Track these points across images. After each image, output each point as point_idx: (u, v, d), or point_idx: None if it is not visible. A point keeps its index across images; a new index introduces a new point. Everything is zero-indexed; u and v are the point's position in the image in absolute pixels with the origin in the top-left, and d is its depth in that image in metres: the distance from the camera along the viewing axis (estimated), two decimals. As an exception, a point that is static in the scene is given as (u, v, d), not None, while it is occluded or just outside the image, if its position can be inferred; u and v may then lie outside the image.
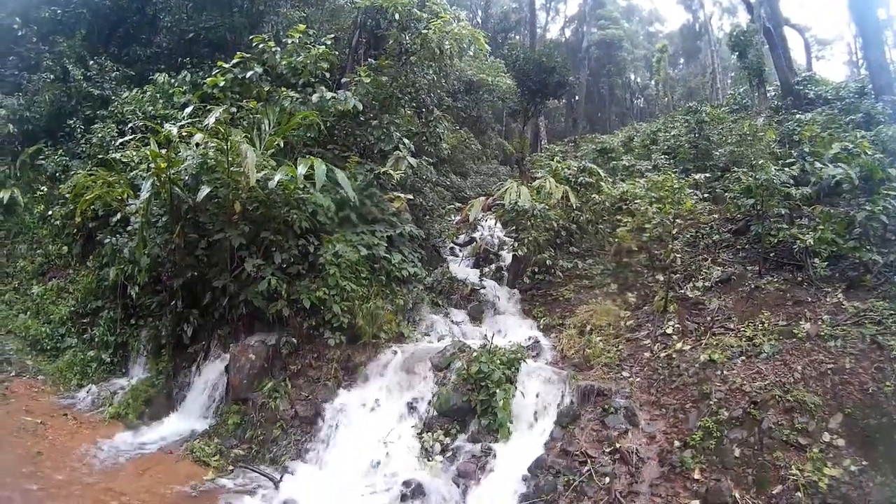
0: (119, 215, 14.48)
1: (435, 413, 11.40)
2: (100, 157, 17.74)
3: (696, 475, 9.22)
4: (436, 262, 16.55)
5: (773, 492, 8.66)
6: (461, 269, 17.27)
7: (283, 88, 15.27)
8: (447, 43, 16.43)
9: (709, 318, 12.03)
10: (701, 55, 51.05)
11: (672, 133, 21.61)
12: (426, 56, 16.92)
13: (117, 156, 16.06)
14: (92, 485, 10.07)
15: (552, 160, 18.13)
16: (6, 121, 20.82)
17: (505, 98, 27.71)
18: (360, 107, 15.22)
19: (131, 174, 14.88)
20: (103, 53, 22.28)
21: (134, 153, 15.48)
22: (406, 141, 15.73)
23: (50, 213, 18.50)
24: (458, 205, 19.67)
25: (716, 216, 15.41)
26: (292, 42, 16.32)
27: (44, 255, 18.46)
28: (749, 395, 9.77)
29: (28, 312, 16.72)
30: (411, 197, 15.43)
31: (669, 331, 12.18)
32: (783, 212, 13.44)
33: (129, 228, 14.21)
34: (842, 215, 12.75)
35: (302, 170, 12.37)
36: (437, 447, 10.84)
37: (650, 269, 14.70)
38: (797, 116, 19.46)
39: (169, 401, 13.52)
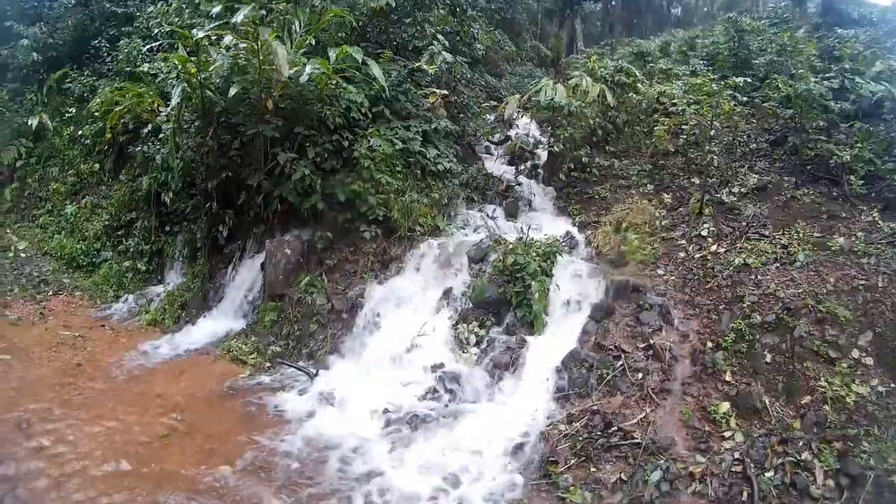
0: (150, 126, 14.20)
1: (470, 305, 11.25)
2: (127, 71, 17.39)
3: (728, 377, 9.00)
4: (471, 159, 16.18)
5: (802, 401, 8.44)
6: (496, 166, 16.87)
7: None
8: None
9: (744, 224, 11.63)
10: None
11: (710, 40, 20.60)
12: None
13: (145, 68, 15.70)
14: (129, 390, 10.15)
15: (589, 60, 17.17)
16: (30, 50, 20.45)
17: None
18: (393, 3, 14.63)
19: (160, 84, 14.61)
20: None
21: (162, 63, 15.02)
22: (440, 37, 15.15)
23: (80, 133, 18.23)
24: (493, 103, 18.87)
25: (753, 124, 14.80)
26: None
27: (76, 175, 18.29)
28: (782, 301, 9.41)
29: (63, 232, 16.73)
30: (446, 93, 14.91)
31: (704, 233, 11.79)
32: (822, 124, 13.01)
33: (160, 136, 13.95)
34: (882, 135, 12.34)
35: (333, 59, 12.03)
36: (472, 339, 10.72)
37: (686, 171, 14.26)
38: (838, 31, 18.43)
39: (205, 303, 13.46)
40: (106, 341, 12.05)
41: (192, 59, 12.20)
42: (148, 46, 16.13)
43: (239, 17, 11.84)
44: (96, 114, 15.67)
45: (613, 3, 28.46)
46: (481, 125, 18.23)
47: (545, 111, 15.76)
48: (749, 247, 10.85)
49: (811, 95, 12.69)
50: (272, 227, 13.32)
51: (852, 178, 11.72)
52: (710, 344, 9.47)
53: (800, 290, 9.47)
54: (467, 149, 16.25)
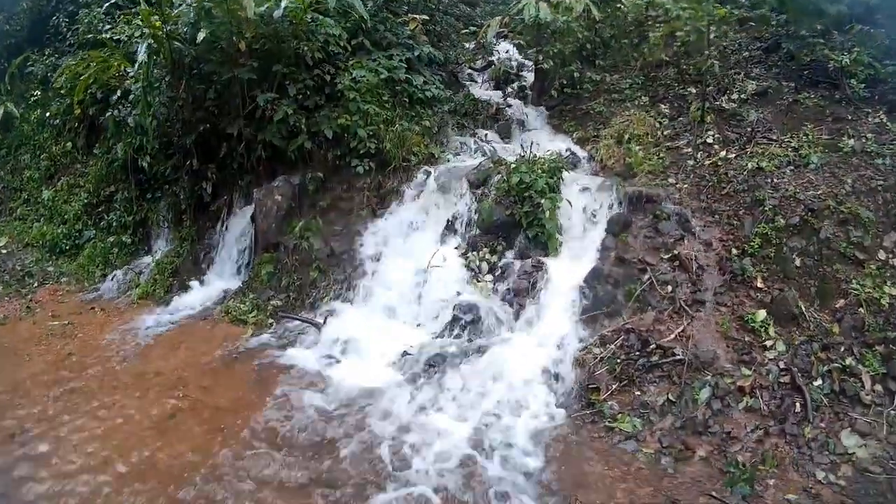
0: (119, 92, 12.76)
1: (477, 231, 10.17)
2: (90, 41, 15.64)
3: (759, 284, 8.31)
4: (455, 87, 14.93)
5: (837, 305, 7.90)
6: (482, 91, 15.66)
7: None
8: None
9: (749, 129, 10.77)
10: None
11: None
12: None
13: (108, 34, 14.21)
14: (126, 373, 9.01)
15: None
16: (-14, 40, 18.83)
17: None
18: None
19: (126, 47, 13.26)
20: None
21: (125, 26, 13.89)
22: None
23: (48, 114, 16.67)
24: (473, 28, 17.52)
25: (742, 33, 13.65)
26: None
27: (49, 159, 16.70)
28: (804, 202, 8.69)
29: (42, 220, 15.32)
30: (427, 17, 13.76)
31: (710, 140, 10.91)
32: (818, 28, 12.04)
33: (130, 99, 12.48)
34: (880, 38, 11.38)
35: None
36: (485, 266, 9.67)
37: (681, 81, 13.16)
38: None
39: (197, 266, 12.24)
40: (97, 324, 10.83)
41: (156, 12, 11.06)
42: (106, 7, 14.66)
43: None
44: (62, 91, 14.52)
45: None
46: (462, 52, 16.91)
47: (529, 30, 14.50)
48: (760, 151, 10.01)
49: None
50: (259, 176, 12.12)
51: (853, 81, 10.85)
52: (735, 251, 8.71)
53: (819, 192, 8.77)
54: (451, 77, 15.02)
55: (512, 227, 9.87)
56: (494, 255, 9.76)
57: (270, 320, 10.14)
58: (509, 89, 15.68)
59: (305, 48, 11.32)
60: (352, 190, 11.43)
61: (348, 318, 9.63)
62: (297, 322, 9.81)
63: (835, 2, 11.90)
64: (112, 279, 12.56)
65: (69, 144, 16.20)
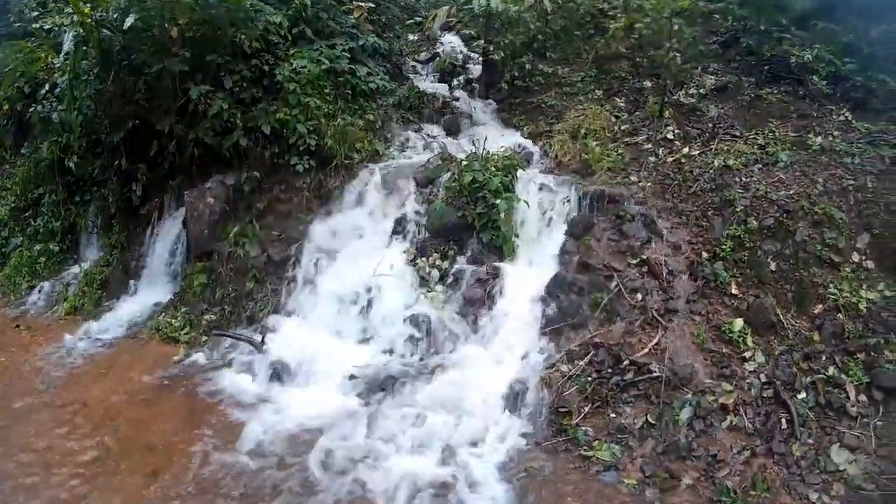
0: (47, 86, 11.62)
1: (426, 234, 9.23)
2: (21, 32, 14.20)
3: (734, 290, 7.75)
4: (399, 80, 13.85)
5: (815, 311, 7.44)
6: (427, 84, 14.60)
7: None
8: None
9: (710, 125, 10.23)
10: None
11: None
12: None
13: (40, 24, 12.78)
14: (51, 403, 7.91)
15: None
16: None
17: None
18: None
19: (55, 37, 12.01)
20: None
21: (57, 16, 12.50)
22: None
23: None
24: (418, 18, 16.54)
25: (698, 28, 12.75)
26: None
27: None
28: (777, 203, 8.21)
29: None
30: (372, 5, 12.74)
31: (670, 136, 10.26)
32: (779, 23, 11.72)
33: (56, 92, 11.34)
34: (839, 35, 11.19)
35: None
36: (436, 274, 8.77)
37: (636, 75, 12.52)
38: None
39: (126, 276, 11.02)
40: (22, 345, 9.70)
41: None
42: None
43: None
44: None
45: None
46: (406, 44, 15.94)
47: (478, 21, 13.69)
48: (725, 148, 9.45)
49: None
50: (192, 177, 10.95)
51: (815, 78, 10.65)
52: (705, 254, 8.12)
53: (792, 192, 8.32)
54: (395, 69, 13.96)
55: (464, 229, 8.95)
56: (445, 260, 8.83)
57: (204, 337, 9.06)
58: (455, 82, 14.71)
59: (243, 37, 10.26)
60: (290, 191, 10.36)
61: (289, 335, 8.62)
62: (233, 339, 8.85)
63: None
64: (39, 292, 11.38)
65: None
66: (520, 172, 9.32)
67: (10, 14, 15.42)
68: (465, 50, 16.22)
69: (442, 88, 14.16)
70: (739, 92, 11.10)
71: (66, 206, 12.42)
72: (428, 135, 12.08)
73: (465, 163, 9.36)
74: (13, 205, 13.38)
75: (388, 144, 11.28)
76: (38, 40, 12.16)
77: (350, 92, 11.18)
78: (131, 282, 10.82)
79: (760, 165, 8.94)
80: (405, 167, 10.13)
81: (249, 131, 10.25)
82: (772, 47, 11.46)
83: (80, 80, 10.64)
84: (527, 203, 8.86)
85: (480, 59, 14.78)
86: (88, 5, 9.82)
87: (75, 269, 11.68)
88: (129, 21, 9.39)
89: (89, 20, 9.89)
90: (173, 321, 9.36)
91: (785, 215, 7.99)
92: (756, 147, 9.33)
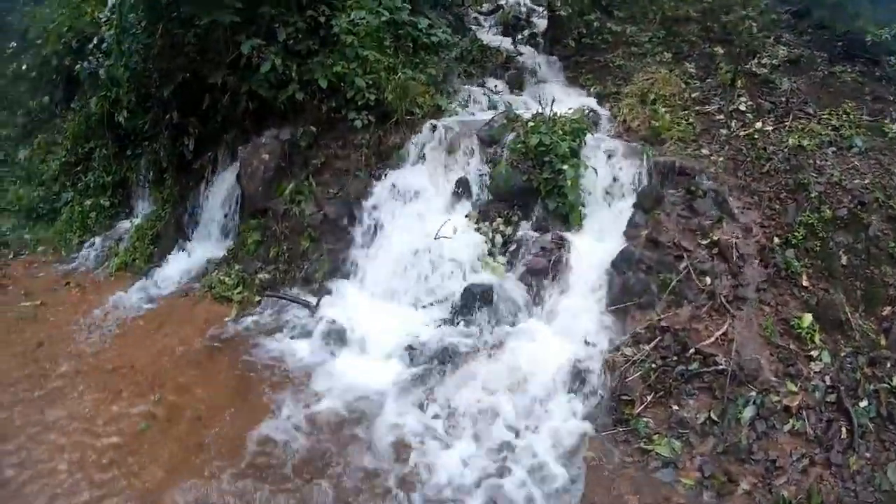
0: (95, 39, 11.15)
1: (490, 197, 8.77)
2: None
3: (805, 282, 7.20)
4: (461, 31, 13.19)
5: (884, 313, 6.90)
6: (490, 37, 13.97)
7: None
8: None
9: (784, 100, 9.62)
10: None
11: None
12: None
13: None
14: (99, 367, 7.65)
15: None
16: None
17: None
18: None
19: None
20: None
21: None
22: None
23: (23, 67, 15.04)
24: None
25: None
26: None
27: (25, 115, 15.16)
28: (852, 192, 7.64)
29: (18, 181, 13.80)
30: None
31: (742, 108, 9.66)
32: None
33: (103, 47, 10.91)
34: None
35: None
36: (499, 239, 8.28)
37: (707, 39, 11.81)
38: None
39: (179, 231, 10.75)
40: (71, 303, 9.46)
41: None
42: None
43: None
44: (38, 42, 13.12)
45: None
46: None
47: None
48: (799, 126, 8.81)
49: None
50: (245, 130, 10.55)
51: (892, 59, 10.10)
52: (777, 240, 7.57)
53: (866, 182, 7.74)
54: (457, 20, 13.39)
55: (529, 194, 8.48)
56: (509, 226, 8.38)
57: (257, 298, 8.72)
58: (519, 36, 14.02)
59: None
60: (348, 147, 9.87)
61: (346, 297, 8.28)
62: (287, 301, 8.52)
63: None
64: (90, 247, 11.24)
65: (46, 98, 14.67)
66: (588, 137, 8.83)
67: None
68: (528, 2, 15.58)
69: (505, 42, 13.52)
70: (812, 67, 10.45)
71: (117, 161, 12.27)
72: (491, 90, 11.52)
73: (531, 124, 8.84)
74: (64, 159, 13.23)
75: (450, 99, 10.70)
76: None
77: (411, 45, 10.63)
78: (184, 237, 10.61)
79: (834, 149, 8.39)
80: (469, 124, 9.57)
81: (305, 84, 9.73)
82: (845, 22, 10.92)
83: (127, 33, 10.22)
84: (595, 170, 8.39)
85: (545, 12, 14.18)
86: None
87: (127, 224, 11.58)
88: None
89: None
90: (226, 279, 9.03)
91: (859, 206, 7.46)
92: (830, 128, 8.71)
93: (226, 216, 10.45)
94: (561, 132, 8.57)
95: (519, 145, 8.67)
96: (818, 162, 8.19)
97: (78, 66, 11.42)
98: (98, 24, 11.10)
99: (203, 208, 10.73)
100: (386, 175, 9.45)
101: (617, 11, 13.20)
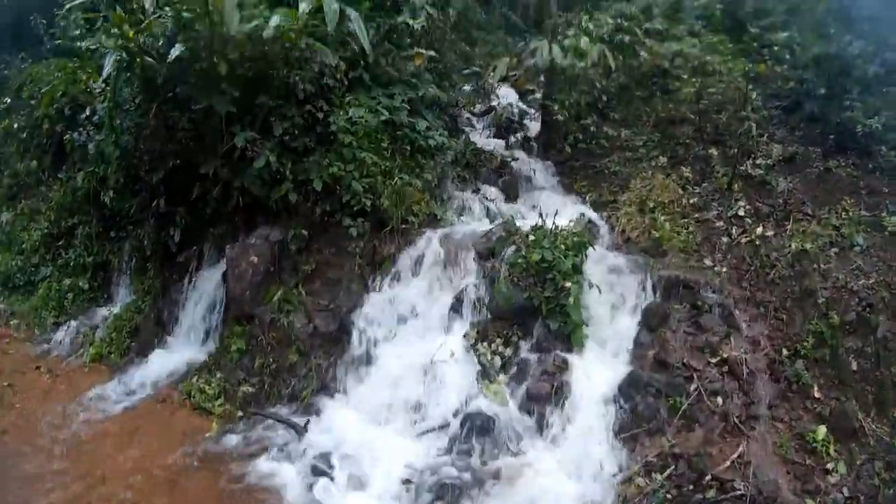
0: (88, 110, 11.01)
1: (488, 315, 8.42)
2: (67, 49, 13.60)
3: (816, 393, 7.12)
4: (454, 133, 13.00)
5: None
6: (482, 139, 13.93)
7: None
8: None
9: (781, 201, 9.64)
10: None
11: (702, 2, 18.12)
12: None
13: (85, 44, 12.05)
14: (67, 472, 7.21)
15: (582, 20, 14.33)
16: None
17: None
18: None
19: (99, 59, 11.08)
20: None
21: (104, 36, 11.45)
22: None
23: (16, 126, 14.60)
24: (475, 69, 15.95)
25: (757, 91, 12.20)
26: None
27: (12, 176, 14.84)
28: (858, 294, 7.63)
29: None
30: (433, 53, 11.73)
31: (741, 213, 9.65)
32: (847, 87, 10.94)
33: (95, 119, 10.75)
34: None
35: (305, 7, 8.84)
36: (497, 361, 7.91)
37: (700, 141, 11.76)
38: None
39: (159, 327, 10.32)
40: (42, 390, 9.11)
41: (129, 17, 9.16)
42: (74, 6, 12.17)
43: None
44: (33, 101, 12.71)
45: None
46: (462, 94, 15.03)
47: (541, 75, 13.09)
48: (800, 230, 8.83)
49: (846, 57, 10.83)
50: (235, 226, 10.28)
51: (883, 149, 10.00)
52: (785, 351, 7.51)
53: (871, 282, 7.76)
54: (451, 121, 13.23)
55: (529, 312, 8.13)
56: (508, 347, 8.03)
57: (240, 412, 8.30)
58: (512, 139, 13.98)
59: (297, 78, 9.51)
60: (341, 254, 9.58)
61: (335, 419, 7.85)
62: (271, 420, 8.11)
63: (871, 63, 10.92)
64: (65, 330, 10.81)
65: (35, 163, 14.15)
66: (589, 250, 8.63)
67: (55, 30, 14.80)
68: (520, 104, 15.56)
69: (498, 145, 13.54)
70: (807, 163, 10.47)
71: (100, 242, 11.87)
72: (486, 197, 11.38)
73: (531, 237, 8.58)
74: (46, 230, 12.81)
75: (445, 207, 10.55)
76: (81, 61, 11.52)
77: (408, 147, 10.47)
78: (163, 335, 10.18)
79: (836, 249, 8.35)
80: (465, 236, 9.38)
81: (299, 184, 9.51)
82: (836, 114, 10.76)
83: (120, 109, 10.01)
84: (599, 289, 8.10)
85: (537, 114, 14.15)
86: (131, 28, 9.06)
87: (105, 311, 11.16)
88: (174, 52, 8.68)
89: (132, 44, 9.15)
90: (207, 388, 8.64)
91: (867, 309, 7.43)
92: (830, 228, 8.72)
93: (209, 317, 10.01)
94: (563, 247, 8.31)
95: (520, 260, 8.36)
96: (822, 265, 8.11)
97: (67, 136, 11.16)
98: (92, 93, 10.91)
99: (185, 305, 10.29)
100: (380, 287, 9.17)
101: (612, 113, 13.19)
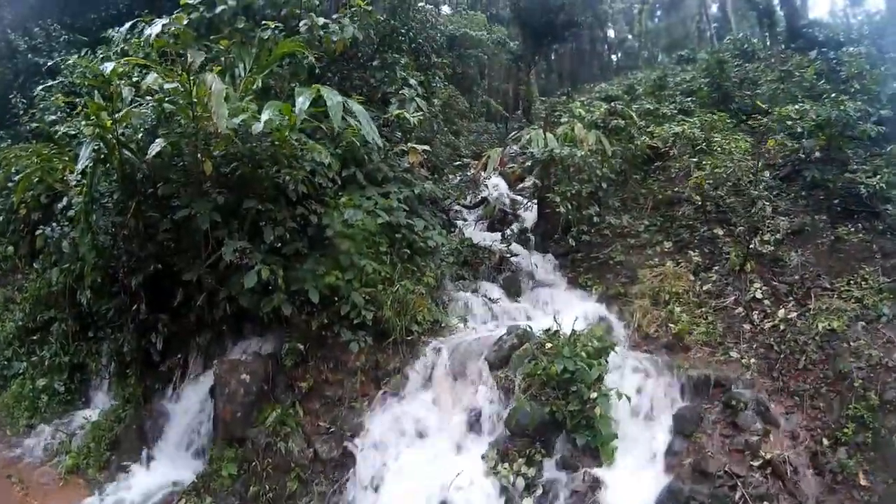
0: (65, 200, 10.31)
1: (506, 432, 7.72)
2: (47, 132, 12.81)
3: (862, 481, 6.88)
4: (446, 228, 12.67)
5: None
6: (476, 233, 13.70)
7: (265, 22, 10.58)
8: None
9: (797, 277, 9.53)
10: (686, 5, 48.09)
11: (685, 77, 18.55)
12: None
13: (63, 129, 11.73)
14: None
15: (574, 106, 14.41)
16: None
17: (494, 52, 23.17)
18: (360, 36, 11.11)
19: (76, 147, 10.42)
20: (53, 24, 17.30)
21: (83, 122, 10.81)
22: (412, 81, 11.77)
23: None
24: (467, 160, 15.95)
25: (750, 161, 12.10)
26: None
27: None
28: (894, 371, 7.47)
29: None
30: (428, 148, 11.31)
31: (759, 295, 9.52)
32: (860, 152, 11.28)
33: (70, 213, 10.05)
34: None
35: (303, 102, 7.86)
36: (520, 483, 7.19)
37: (704, 221, 11.60)
38: (846, 51, 15.46)
39: (141, 440, 9.53)
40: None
41: (107, 106, 8.73)
42: (65, 101, 12.34)
43: (154, 30, 8.60)
44: (10, 184, 11.71)
45: (561, 51, 25.52)
46: (452, 187, 14.81)
47: (540, 163, 12.51)
48: (823, 307, 8.71)
49: (848, 119, 10.83)
50: (221, 335, 9.69)
51: (890, 207, 10.07)
52: (826, 441, 7.30)
53: None
54: (444, 215, 13.05)
55: (552, 427, 7.51)
56: (531, 466, 7.31)
57: None
58: (508, 232, 13.59)
59: (287, 178, 8.89)
60: (341, 370, 8.89)
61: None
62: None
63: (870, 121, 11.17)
64: (39, 435, 10.24)
65: (11, 249, 13.09)
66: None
67: (36, 111, 13.96)
68: (511, 193, 15.49)
69: (494, 238, 13.22)
70: (816, 233, 10.40)
71: (77, 341, 11.25)
72: (487, 296, 10.93)
73: (548, 344, 8.04)
74: (21, 323, 12.22)
75: (447, 310, 10.04)
76: (59, 147, 10.80)
77: (407, 251, 9.99)
78: (145, 449, 9.39)
79: (864, 323, 8.24)
80: (473, 345, 8.77)
81: (292, 294, 8.81)
82: (837, 177, 10.79)
83: (97, 204, 9.35)
84: (628, 398, 7.50)
85: (530, 203, 13.98)
86: (109, 117, 8.51)
87: (82, 415, 10.51)
88: (155, 147, 8.06)
89: (110, 135, 8.51)
90: None
91: None
92: (853, 301, 8.64)
93: (196, 434, 9.31)
94: (584, 354, 7.74)
95: (540, 372, 7.76)
96: (852, 343, 7.96)
97: (40, 231, 10.37)
98: (66, 182, 10.14)
99: (170, 418, 9.57)
100: (386, 405, 8.51)
101: (611, 200, 12.92)
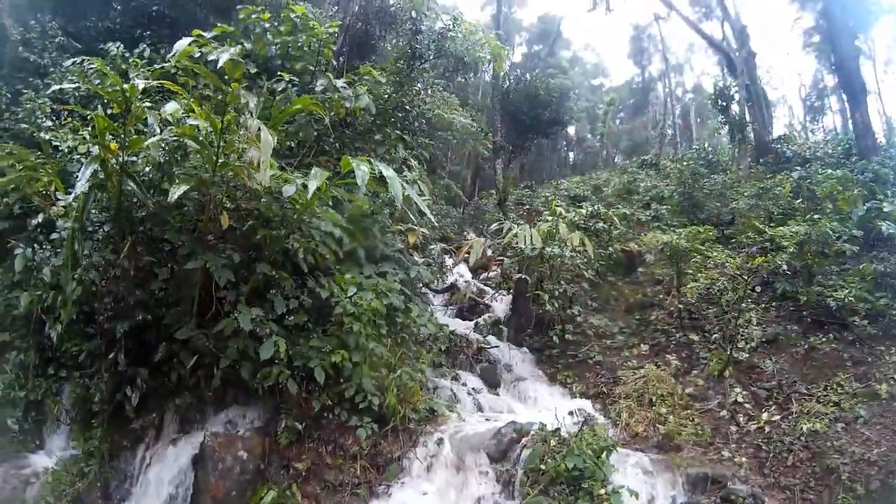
0: (41, 217, 9.57)
1: None
2: (29, 135, 11.91)
3: None
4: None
5: None
6: (448, 320, 13.76)
7: (280, 74, 10.90)
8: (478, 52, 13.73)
9: (774, 383, 10.37)
10: (649, 109, 50.53)
11: (655, 182, 19.71)
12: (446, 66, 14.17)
13: (48, 136, 11.04)
14: None
15: (552, 204, 15.03)
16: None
17: (464, 136, 23.96)
18: (373, 109, 11.34)
19: (63, 161, 10.18)
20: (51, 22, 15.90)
21: (70, 134, 10.85)
22: (414, 163, 12.01)
23: None
24: (443, 245, 16.27)
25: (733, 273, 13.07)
26: (289, 17, 11.81)
27: None
28: (876, 464, 8.24)
29: None
30: (426, 231, 11.70)
31: (740, 399, 10.30)
32: (827, 267, 12.31)
33: (53, 237, 9.46)
34: (871, 270, 11.56)
35: (364, 174, 7.53)
36: None
37: (679, 327, 12.40)
38: (826, 170, 17.05)
39: (106, 501, 8.96)
40: None
41: (115, 126, 8.06)
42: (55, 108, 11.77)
43: (224, 57, 7.95)
44: None
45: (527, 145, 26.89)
46: (433, 272, 14.44)
47: (527, 259, 12.97)
48: (804, 410, 9.53)
49: (825, 237, 11.75)
50: (203, 400, 9.15)
51: (857, 319, 10.96)
52: None
53: (883, 449, 8.44)
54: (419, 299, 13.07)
55: None
56: None
57: None
58: (481, 321, 13.98)
59: (297, 245, 8.64)
60: (340, 454, 8.69)
61: None
62: None
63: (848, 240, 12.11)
64: None
65: None
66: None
67: (20, 110, 12.88)
68: (475, 282, 15.99)
69: (465, 326, 13.55)
70: (790, 343, 11.22)
71: (37, 375, 10.09)
72: (468, 386, 11.17)
73: (553, 441, 8.19)
74: None
75: (434, 398, 10.06)
76: (45, 156, 9.86)
77: (405, 336, 9.96)
78: None
79: (843, 424, 9.01)
80: (473, 437, 8.82)
81: (295, 370, 8.56)
82: (806, 291, 11.68)
83: (86, 234, 8.67)
84: (636, 495, 7.61)
85: (497, 295, 14.56)
86: (115, 140, 7.98)
87: (37, 461, 9.45)
88: (175, 192, 7.50)
89: (114, 160, 7.94)
90: None
91: (889, 475, 7.99)
92: (831, 405, 9.43)
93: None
94: (590, 451, 7.94)
95: (548, 468, 7.86)
96: (835, 442, 8.69)
97: (19, 251, 9.55)
98: (49, 198, 9.37)
99: (140, 484, 8.94)
100: (388, 496, 8.28)
101: (589, 301, 13.61)
